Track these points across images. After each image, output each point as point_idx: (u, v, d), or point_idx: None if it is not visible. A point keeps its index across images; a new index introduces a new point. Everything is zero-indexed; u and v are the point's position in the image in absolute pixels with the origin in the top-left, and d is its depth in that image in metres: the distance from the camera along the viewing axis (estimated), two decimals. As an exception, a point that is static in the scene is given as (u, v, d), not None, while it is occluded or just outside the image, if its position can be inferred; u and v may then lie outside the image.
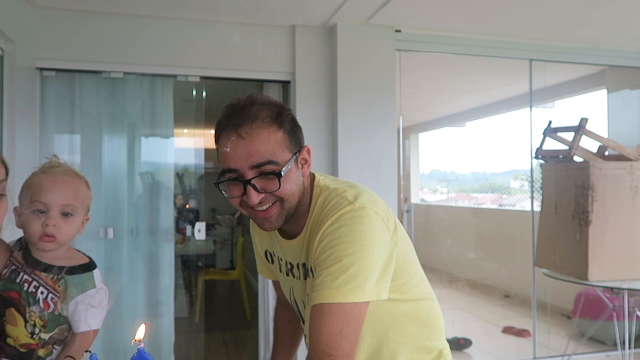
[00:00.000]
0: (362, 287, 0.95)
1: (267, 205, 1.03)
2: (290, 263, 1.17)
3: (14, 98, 2.72)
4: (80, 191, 1.20)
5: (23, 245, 1.22)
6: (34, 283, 1.15)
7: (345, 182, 1.12)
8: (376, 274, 0.98)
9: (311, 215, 1.09)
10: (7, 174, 1.04)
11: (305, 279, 1.13)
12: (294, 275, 1.17)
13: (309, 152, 1.09)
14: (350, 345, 0.94)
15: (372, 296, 0.97)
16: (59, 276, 1.16)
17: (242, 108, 1.00)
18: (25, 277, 1.16)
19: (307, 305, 1.08)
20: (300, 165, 1.06)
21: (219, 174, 1.04)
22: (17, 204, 1.18)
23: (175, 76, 3.19)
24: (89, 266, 1.21)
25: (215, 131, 1.03)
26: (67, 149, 3.12)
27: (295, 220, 1.10)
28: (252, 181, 0.99)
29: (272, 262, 1.27)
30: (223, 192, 1.04)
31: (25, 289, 1.15)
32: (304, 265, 1.12)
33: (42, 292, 1.15)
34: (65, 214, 1.16)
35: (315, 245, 1.02)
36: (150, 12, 3.03)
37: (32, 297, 1.15)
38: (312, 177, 1.13)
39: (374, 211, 1.01)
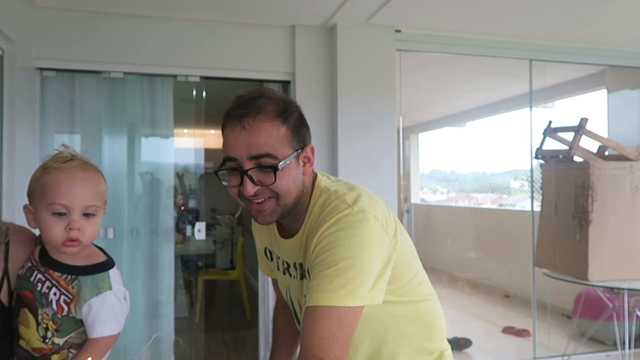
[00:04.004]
0: (356, 291, 0.95)
1: (263, 199, 1.03)
2: (287, 262, 1.17)
3: (14, 98, 2.72)
4: (100, 187, 1.10)
5: (40, 241, 1.13)
6: (47, 283, 1.07)
7: (347, 183, 1.12)
8: (372, 279, 0.98)
9: (309, 216, 1.08)
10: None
11: (301, 279, 1.12)
12: (290, 275, 1.17)
13: (312, 151, 1.08)
14: (342, 349, 0.94)
15: (366, 301, 0.97)
16: (73, 276, 1.07)
17: (249, 100, 1.01)
18: (39, 276, 1.08)
19: (303, 306, 1.08)
20: (302, 163, 1.06)
21: (221, 162, 1.05)
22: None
23: (175, 76, 3.19)
24: (105, 265, 1.11)
25: (223, 120, 1.04)
26: (67, 149, 3.12)
27: (293, 218, 1.10)
28: (249, 172, 0.99)
29: (272, 259, 1.27)
30: (223, 182, 1.05)
31: (38, 289, 1.07)
32: (300, 265, 1.12)
33: (54, 294, 1.06)
34: (87, 215, 1.07)
35: (312, 247, 1.02)
36: (151, 12, 3.03)
37: (45, 298, 1.06)
38: (315, 176, 1.13)
39: (372, 215, 1.00)
